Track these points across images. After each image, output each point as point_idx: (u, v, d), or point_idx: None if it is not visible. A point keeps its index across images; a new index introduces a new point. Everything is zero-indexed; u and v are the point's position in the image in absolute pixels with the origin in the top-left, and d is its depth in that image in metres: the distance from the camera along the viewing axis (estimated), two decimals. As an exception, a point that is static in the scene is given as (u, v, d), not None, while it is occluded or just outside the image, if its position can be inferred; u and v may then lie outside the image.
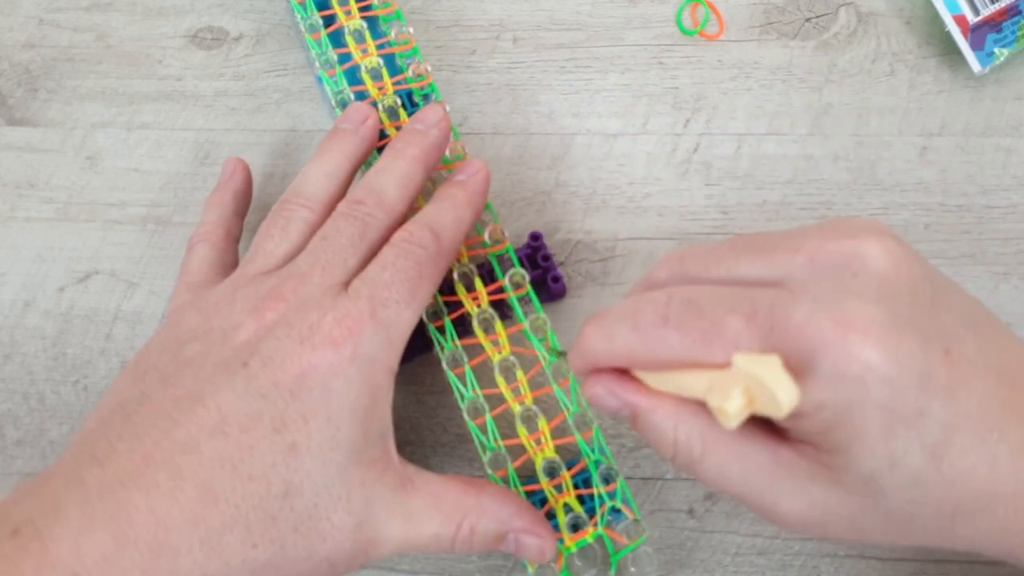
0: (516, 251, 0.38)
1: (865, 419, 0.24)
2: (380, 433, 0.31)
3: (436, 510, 0.31)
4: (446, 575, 0.37)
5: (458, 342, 0.36)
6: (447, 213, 0.34)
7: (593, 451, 0.36)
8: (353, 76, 0.40)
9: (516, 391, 0.36)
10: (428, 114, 0.37)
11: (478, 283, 0.37)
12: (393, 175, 0.35)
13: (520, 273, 0.37)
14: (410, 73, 0.40)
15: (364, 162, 0.37)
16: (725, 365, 0.25)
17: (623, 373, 0.28)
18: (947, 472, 0.25)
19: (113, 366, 0.40)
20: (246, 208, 0.39)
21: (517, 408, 0.36)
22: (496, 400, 0.36)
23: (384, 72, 0.40)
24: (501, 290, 0.37)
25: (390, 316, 0.31)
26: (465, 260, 0.38)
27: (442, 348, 0.36)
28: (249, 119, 0.43)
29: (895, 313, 0.25)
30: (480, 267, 0.38)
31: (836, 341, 0.24)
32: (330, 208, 0.35)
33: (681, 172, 0.42)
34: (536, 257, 0.39)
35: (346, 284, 0.32)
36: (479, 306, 0.37)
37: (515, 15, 0.45)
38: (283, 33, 0.45)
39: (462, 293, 0.37)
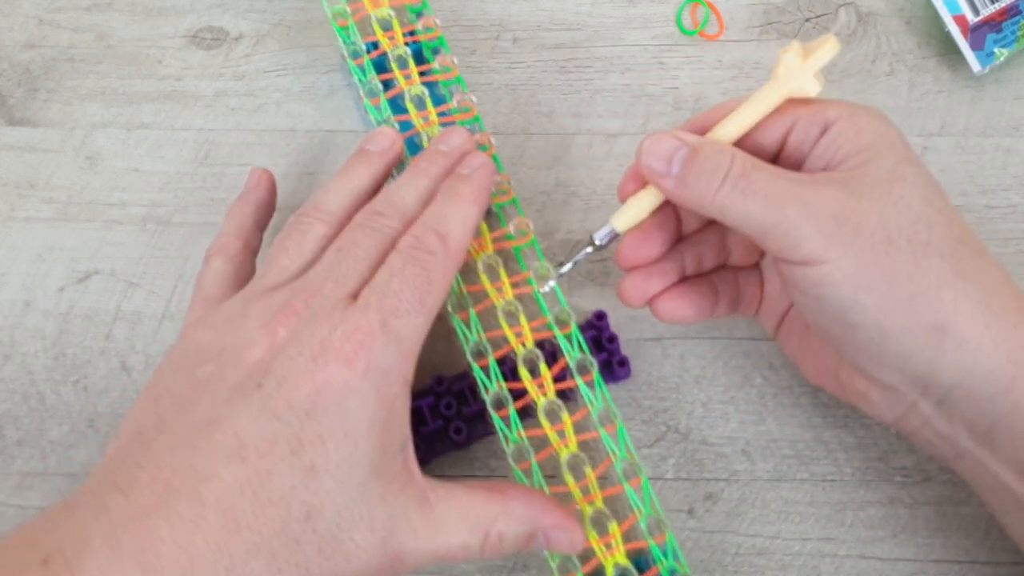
0: (581, 331, 0.37)
1: (884, 147, 0.31)
2: (399, 445, 0.31)
3: (463, 520, 0.31)
4: (446, 575, 0.37)
5: (523, 432, 0.35)
6: (453, 212, 0.33)
7: (666, 556, 0.34)
8: (413, 144, 0.39)
9: (585, 490, 0.34)
10: (453, 136, 0.37)
11: (543, 368, 0.36)
12: (415, 191, 0.34)
13: (589, 360, 0.36)
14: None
15: (384, 182, 0.37)
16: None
17: None
18: (935, 203, 0.31)
19: (113, 366, 0.40)
20: (267, 220, 0.39)
21: (588, 510, 0.34)
22: (565, 498, 0.34)
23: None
24: (567, 374, 0.36)
25: (401, 326, 0.30)
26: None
27: (507, 439, 0.35)
28: (249, 119, 0.43)
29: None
30: (540, 346, 0.37)
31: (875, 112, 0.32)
32: (347, 225, 0.34)
33: (681, 172, 0.42)
34: (601, 339, 0.38)
35: (353, 295, 0.31)
36: (545, 395, 0.36)
37: (515, 15, 0.45)
38: (283, 33, 0.45)
39: (527, 379, 0.36)
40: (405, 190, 0.34)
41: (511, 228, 0.38)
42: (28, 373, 0.40)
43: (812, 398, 0.39)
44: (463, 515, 0.31)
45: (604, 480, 0.35)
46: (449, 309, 0.37)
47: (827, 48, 0.32)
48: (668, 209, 0.34)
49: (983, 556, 0.37)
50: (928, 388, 0.30)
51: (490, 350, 0.36)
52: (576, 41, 0.44)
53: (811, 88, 0.32)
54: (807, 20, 0.44)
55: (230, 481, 0.28)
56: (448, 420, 0.37)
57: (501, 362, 0.36)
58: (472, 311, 0.37)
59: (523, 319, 0.37)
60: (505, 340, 0.37)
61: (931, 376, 0.30)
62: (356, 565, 0.29)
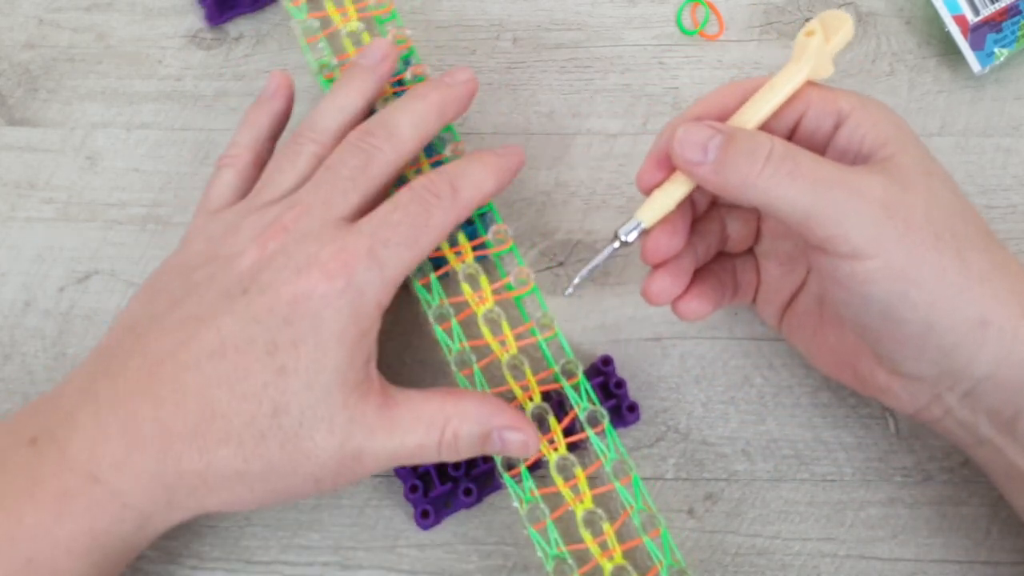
0: (588, 378, 0.36)
1: (906, 140, 0.32)
2: (364, 359, 0.32)
3: (419, 421, 0.32)
4: (446, 575, 0.37)
5: (537, 492, 0.34)
6: (473, 173, 0.35)
7: None
8: None
9: (603, 545, 0.34)
10: (457, 72, 0.37)
11: (552, 423, 0.35)
12: (409, 114, 0.35)
13: (601, 412, 0.35)
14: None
15: (379, 99, 0.38)
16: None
17: None
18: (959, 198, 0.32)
19: (113, 366, 0.40)
20: (281, 130, 0.39)
21: (607, 566, 0.34)
22: (584, 555, 0.34)
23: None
24: (575, 424, 0.36)
25: (388, 255, 0.32)
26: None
27: (521, 501, 0.34)
28: (249, 119, 0.43)
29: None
30: (546, 396, 0.36)
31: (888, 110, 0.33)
32: (340, 142, 0.35)
33: (681, 172, 0.42)
34: (609, 385, 0.37)
35: (347, 218, 0.33)
36: (556, 450, 0.35)
37: (515, 15, 0.45)
38: (283, 33, 0.45)
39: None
40: (398, 112, 0.35)
41: (511, 279, 0.38)
42: (28, 373, 0.40)
43: (812, 398, 0.39)
44: (419, 416, 0.33)
45: (622, 532, 0.35)
46: (454, 368, 0.36)
47: (845, 31, 0.32)
48: (687, 200, 0.34)
49: (983, 556, 0.37)
50: (958, 380, 0.30)
51: None
52: (576, 41, 0.44)
53: (827, 71, 0.32)
54: (807, 20, 0.44)
55: (210, 374, 0.31)
56: (456, 481, 0.36)
57: None
58: (476, 367, 0.36)
59: (528, 372, 0.36)
60: (511, 395, 0.36)
61: (966, 368, 0.30)
62: (315, 462, 0.31)
